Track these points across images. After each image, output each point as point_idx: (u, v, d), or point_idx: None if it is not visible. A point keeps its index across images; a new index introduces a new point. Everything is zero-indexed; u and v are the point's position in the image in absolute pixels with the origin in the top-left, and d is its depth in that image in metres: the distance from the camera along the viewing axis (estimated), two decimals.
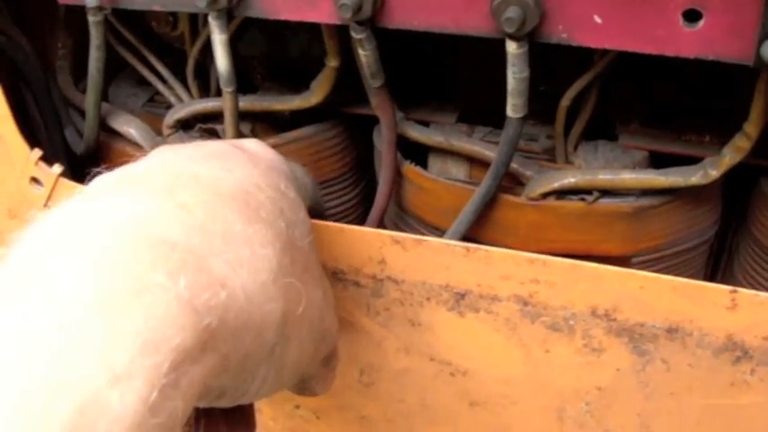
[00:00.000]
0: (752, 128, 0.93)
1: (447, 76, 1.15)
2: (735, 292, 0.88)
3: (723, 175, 0.98)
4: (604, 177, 1.00)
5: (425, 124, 1.13)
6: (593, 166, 1.05)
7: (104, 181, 0.69)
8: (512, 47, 0.88)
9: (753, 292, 0.89)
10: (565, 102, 1.02)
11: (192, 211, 0.64)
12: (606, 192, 1.02)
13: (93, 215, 0.61)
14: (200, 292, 0.57)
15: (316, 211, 0.91)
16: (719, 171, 0.97)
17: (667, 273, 1.09)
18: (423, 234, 1.12)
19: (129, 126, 1.20)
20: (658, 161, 1.08)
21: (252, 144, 0.83)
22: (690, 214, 1.05)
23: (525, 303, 0.91)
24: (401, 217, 1.17)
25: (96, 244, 0.57)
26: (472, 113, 1.15)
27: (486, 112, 1.09)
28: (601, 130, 1.10)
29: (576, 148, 1.07)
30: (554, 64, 1.06)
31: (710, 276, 1.23)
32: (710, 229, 1.10)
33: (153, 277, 0.55)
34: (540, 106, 1.07)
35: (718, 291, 0.88)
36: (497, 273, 0.90)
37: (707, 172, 0.98)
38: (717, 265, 1.23)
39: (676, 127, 1.08)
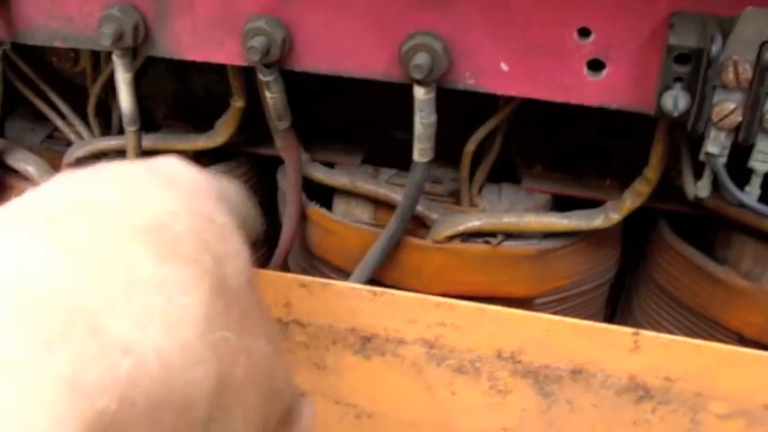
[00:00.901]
0: (652, 173, 0.95)
1: (354, 117, 1.15)
2: (637, 334, 0.89)
3: (624, 218, 1.00)
4: (509, 220, 1.01)
5: (331, 165, 1.13)
6: (497, 208, 1.06)
7: None
8: (419, 92, 0.88)
9: (654, 334, 0.91)
10: (470, 146, 1.03)
11: (82, 252, 0.50)
12: (510, 234, 1.03)
13: None
14: (89, 365, 0.44)
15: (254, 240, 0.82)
16: (621, 214, 0.99)
17: (570, 312, 1.11)
18: (329, 276, 1.12)
19: (26, 163, 1.17)
20: (562, 203, 1.10)
21: (169, 163, 0.67)
22: (592, 256, 1.07)
23: (431, 346, 0.91)
24: (307, 259, 1.16)
25: None
26: (378, 155, 1.15)
27: (392, 154, 1.09)
28: (505, 173, 1.11)
29: (480, 190, 1.08)
30: (459, 108, 1.07)
31: (610, 315, 1.26)
32: (611, 269, 1.13)
33: (22, 350, 0.42)
34: (445, 149, 1.08)
35: (621, 333, 0.90)
36: (404, 316, 0.90)
37: (608, 215, 1.00)
38: (615, 303, 1.26)
39: (578, 170, 1.10)
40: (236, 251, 0.61)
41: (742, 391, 0.91)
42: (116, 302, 0.48)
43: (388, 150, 1.11)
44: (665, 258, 1.09)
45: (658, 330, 1.12)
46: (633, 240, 1.17)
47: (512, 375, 0.94)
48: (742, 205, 0.86)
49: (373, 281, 1.05)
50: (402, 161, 1.04)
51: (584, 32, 0.84)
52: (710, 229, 1.10)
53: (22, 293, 0.45)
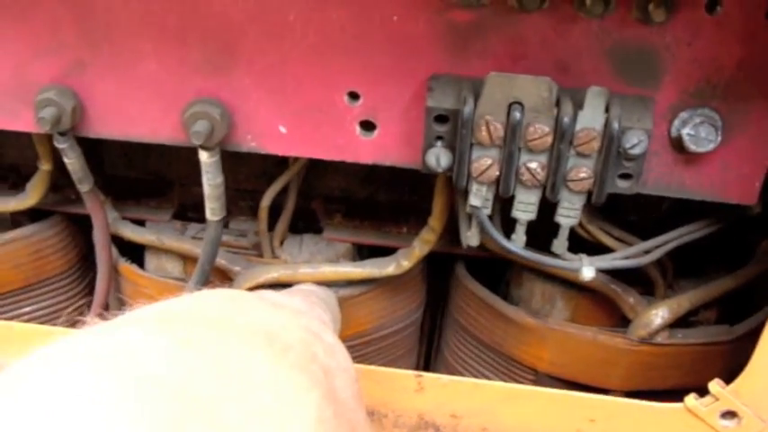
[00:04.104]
0: (435, 222, 1.01)
1: (163, 175, 1.19)
2: (420, 376, 0.95)
3: (417, 265, 1.06)
4: (305, 271, 1.05)
5: (142, 222, 1.16)
6: (297, 259, 1.10)
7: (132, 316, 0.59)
8: (204, 156, 0.92)
9: (436, 375, 0.96)
10: (265, 202, 1.07)
11: (199, 347, 0.52)
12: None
13: (85, 350, 0.50)
14: None
15: None
16: (411, 262, 1.05)
17: (377, 354, 1.16)
18: None
19: None
20: (370, 250, 1.16)
21: (273, 293, 0.77)
22: (391, 301, 1.12)
23: None
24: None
25: (80, 382, 0.46)
26: (190, 210, 1.19)
27: (200, 209, 1.13)
28: (311, 224, 1.17)
29: (282, 242, 1.12)
30: (260, 164, 1.12)
31: (427, 354, 1.31)
32: (415, 312, 1.18)
33: None
34: (250, 204, 1.13)
35: (405, 376, 0.95)
36: None
37: (400, 263, 1.05)
38: (431, 343, 1.31)
39: (377, 219, 1.15)
40: (344, 367, 0.66)
41: (523, 424, 0.97)
42: (232, 395, 0.49)
43: (200, 206, 1.15)
44: (464, 300, 1.14)
45: (464, 368, 1.18)
46: (442, 284, 1.23)
47: None
48: (508, 252, 0.93)
49: None
50: None
51: (353, 96, 0.89)
52: (507, 271, 1.17)
53: (141, 382, 0.46)
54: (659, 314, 1.03)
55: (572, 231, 0.94)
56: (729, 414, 0.94)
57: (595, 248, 1.01)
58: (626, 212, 1.09)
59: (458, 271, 1.16)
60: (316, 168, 1.09)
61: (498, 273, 1.18)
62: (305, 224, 1.16)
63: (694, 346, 1.07)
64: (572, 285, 1.08)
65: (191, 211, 1.18)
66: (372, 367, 0.97)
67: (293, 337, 0.60)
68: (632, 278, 1.07)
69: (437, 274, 1.21)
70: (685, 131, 0.87)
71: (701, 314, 1.10)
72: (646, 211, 1.10)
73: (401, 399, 0.96)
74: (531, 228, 0.92)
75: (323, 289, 1.03)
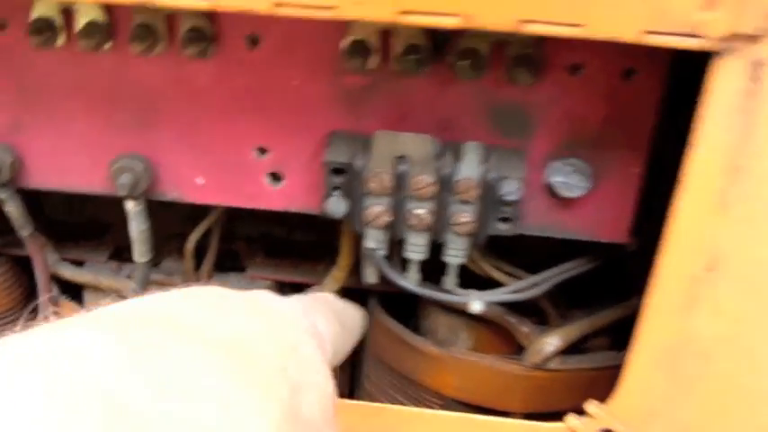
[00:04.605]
0: (343, 260, 1.12)
1: (101, 219, 1.29)
2: None
3: None
4: None
5: (81, 263, 1.26)
6: None
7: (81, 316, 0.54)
8: (130, 205, 1.02)
9: (344, 400, 1.05)
10: (189, 245, 1.17)
11: (145, 353, 0.48)
12: None
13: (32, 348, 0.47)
14: None
15: None
16: None
17: None
18: None
19: None
20: (291, 286, 1.25)
21: (263, 294, 0.70)
22: None
23: None
24: None
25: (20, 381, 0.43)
26: (123, 252, 1.28)
27: None
28: (235, 263, 1.27)
29: (209, 281, 1.22)
30: (185, 210, 1.22)
31: (351, 390, 1.40)
32: None
33: None
34: (178, 245, 1.23)
35: None
36: None
37: None
38: (354, 373, 1.40)
39: (295, 258, 1.25)
40: (317, 383, 0.61)
41: None
42: (171, 410, 0.45)
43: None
44: (378, 332, 1.24)
45: (384, 396, 1.27)
46: None
47: None
48: (403, 288, 1.03)
49: None
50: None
51: (262, 150, 1.00)
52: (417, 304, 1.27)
53: (77, 385, 0.43)
54: (550, 342, 1.13)
55: (466, 268, 1.04)
56: None
57: (491, 283, 1.11)
58: (517, 249, 1.19)
59: (371, 305, 1.25)
60: (236, 213, 1.19)
61: (412, 306, 1.27)
62: (230, 263, 1.26)
63: (586, 371, 1.17)
64: (473, 317, 1.18)
65: (126, 252, 1.27)
66: None
67: (263, 350, 0.57)
68: (528, 310, 1.17)
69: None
70: (557, 179, 0.98)
71: (593, 341, 1.20)
72: (536, 248, 1.20)
73: None
74: (435, 264, 1.02)
75: (343, 302, 0.98)
